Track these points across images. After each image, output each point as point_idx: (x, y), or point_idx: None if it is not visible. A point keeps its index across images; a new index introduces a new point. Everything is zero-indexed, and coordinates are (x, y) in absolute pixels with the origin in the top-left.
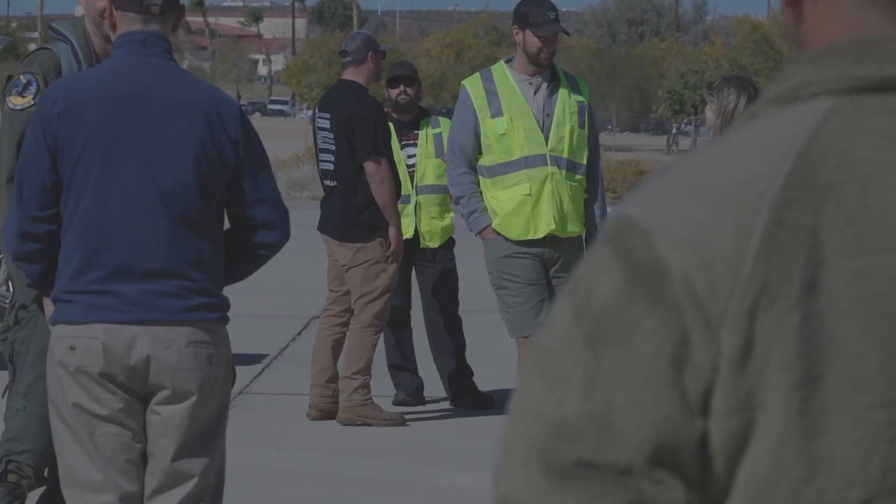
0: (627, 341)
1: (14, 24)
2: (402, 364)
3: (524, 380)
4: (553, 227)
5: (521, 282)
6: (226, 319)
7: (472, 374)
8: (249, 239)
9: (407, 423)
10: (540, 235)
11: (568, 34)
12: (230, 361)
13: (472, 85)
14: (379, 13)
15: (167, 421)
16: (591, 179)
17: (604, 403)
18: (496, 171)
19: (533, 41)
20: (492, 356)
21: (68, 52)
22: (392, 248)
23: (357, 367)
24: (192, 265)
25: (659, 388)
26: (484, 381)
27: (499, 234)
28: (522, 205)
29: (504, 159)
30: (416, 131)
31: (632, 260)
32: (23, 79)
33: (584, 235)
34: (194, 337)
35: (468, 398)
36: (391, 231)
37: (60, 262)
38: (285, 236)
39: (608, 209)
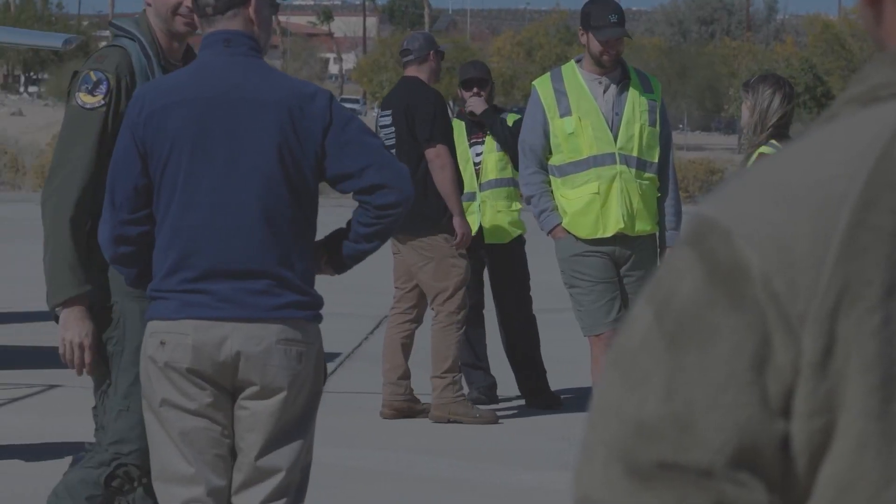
0: (708, 342)
1: (85, 23)
2: (475, 363)
3: (605, 380)
4: (622, 225)
5: (591, 280)
6: (318, 318)
7: (544, 373)
8: (370, 203)
9: (500, 420)
10: (609, 234)
11: (629, 37)
12: (321, 360)
13: (542, 85)
14: (450, 12)
15: (255, 416)
16: (664, 177)
17: (685, 404)
18: (566, 170)
19: (595, 44)
20: (564, 355)
21: (137, 49)
22: (459, 237)
23: (445, 365)
24: (283, 263)
25: (740, 389)
26: (557, 381)
27: (569, 232)
28: (591, 203)
29: (573, 158)
30: (485, 129)
31: (712, 261)
32: (93, 76)
33: (657, 234)
34: (285, 334)
35: (540, 398)
36: (456, 221)
37: (154, 261)
38: (404, 193)
39: (682, 208)
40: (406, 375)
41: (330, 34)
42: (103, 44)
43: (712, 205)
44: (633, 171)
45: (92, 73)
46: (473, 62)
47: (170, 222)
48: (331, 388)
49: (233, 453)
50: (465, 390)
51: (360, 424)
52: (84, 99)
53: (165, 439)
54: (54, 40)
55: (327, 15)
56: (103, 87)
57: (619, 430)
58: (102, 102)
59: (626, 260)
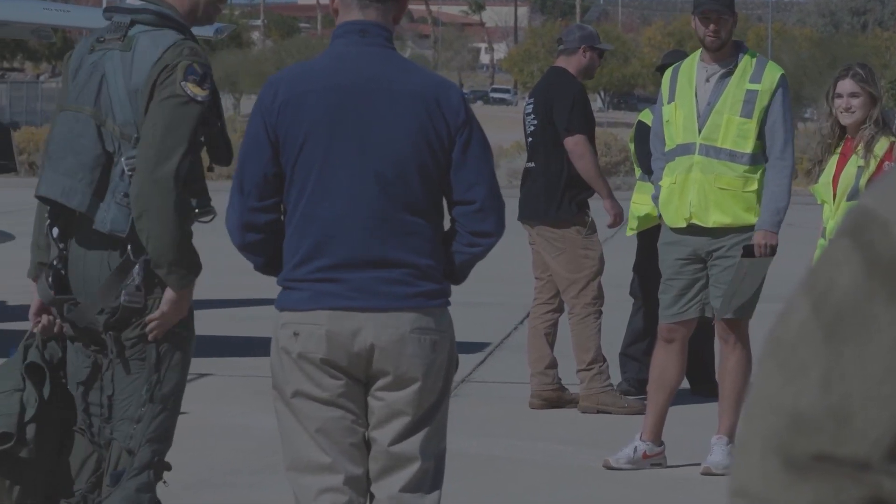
0: (866, 335)
1: (237, 13)
2: (634, 354)
3: (762, 372)
4: (689, 216)
5: (667, 272)
6: (448, 304)
7: (713, 360)
8: (464, 227)
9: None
10: (682, 224)
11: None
12: (454, 348)
13: (668, 71)
14: (601, 1)
15: (390, 406)
16: (768, 170)
17: (842, 397)
18: (667, 157)
19: (697, 24)
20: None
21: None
22: (613, 218)
23: (588, 357)
24: (415, 252)
25: None
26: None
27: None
28: (671, 193)
29: (669, 146)
30: None
31: (871, 253)
32: (198, 68)
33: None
34: (418, 323)
35: (707, 385)
36: (606, 203)
37: (285, 250)
38: (500, 226)
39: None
40: (553, 364)
41: (481, 24)
42: (255, 34)
43: (873, 195)
44: (717, 161)
45: (196, 64)
46: (675, 51)
47: (303, 211)
48: (480, 377)
49: (366, 443)
50: (615, 381)
51: (509, 414)
52: (194, 90)
53: (299, 430)
54: (206, 29)
55: (479, 5)
56: (209, 80)
57: (775, 423)
58: (209, 96)
59: (712, 250)
